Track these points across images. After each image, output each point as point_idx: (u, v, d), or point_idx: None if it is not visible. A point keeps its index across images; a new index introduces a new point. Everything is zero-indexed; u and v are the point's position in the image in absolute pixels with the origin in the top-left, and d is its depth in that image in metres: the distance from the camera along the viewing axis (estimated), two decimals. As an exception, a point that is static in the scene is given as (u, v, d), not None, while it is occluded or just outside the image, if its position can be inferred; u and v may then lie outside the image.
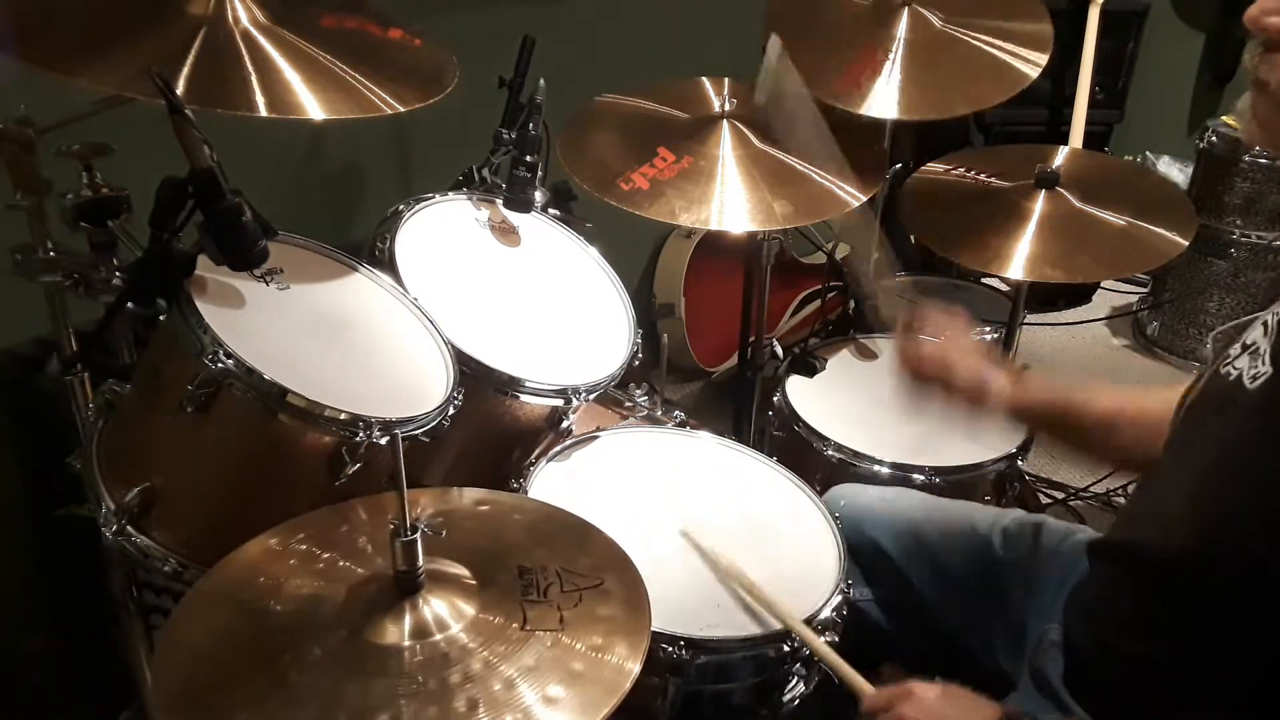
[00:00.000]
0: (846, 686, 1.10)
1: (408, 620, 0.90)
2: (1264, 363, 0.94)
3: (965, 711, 1.02)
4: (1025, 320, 2.13)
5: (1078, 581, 1.18)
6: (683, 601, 1.20)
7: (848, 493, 1.44)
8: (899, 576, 1.31)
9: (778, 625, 1.17)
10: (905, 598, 1.31)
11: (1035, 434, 1.43)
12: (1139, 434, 1.17)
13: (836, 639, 1.19)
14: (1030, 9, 1.93)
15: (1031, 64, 1.82)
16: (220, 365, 1.08)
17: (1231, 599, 0.91)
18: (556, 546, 1.04)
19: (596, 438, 1.48)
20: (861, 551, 1.33)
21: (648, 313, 2.76)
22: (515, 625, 0.91)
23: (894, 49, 1.83)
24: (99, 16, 1.11)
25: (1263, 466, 0.89)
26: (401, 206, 1.49)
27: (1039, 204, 1.83)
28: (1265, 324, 0.98)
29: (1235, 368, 0.98)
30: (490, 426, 1.40)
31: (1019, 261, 1.75)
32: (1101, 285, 3.30)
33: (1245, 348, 0.99)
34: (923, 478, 1.62)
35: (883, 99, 1.76)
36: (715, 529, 1.32)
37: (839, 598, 1.23)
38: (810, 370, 1.82)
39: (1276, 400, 0.90)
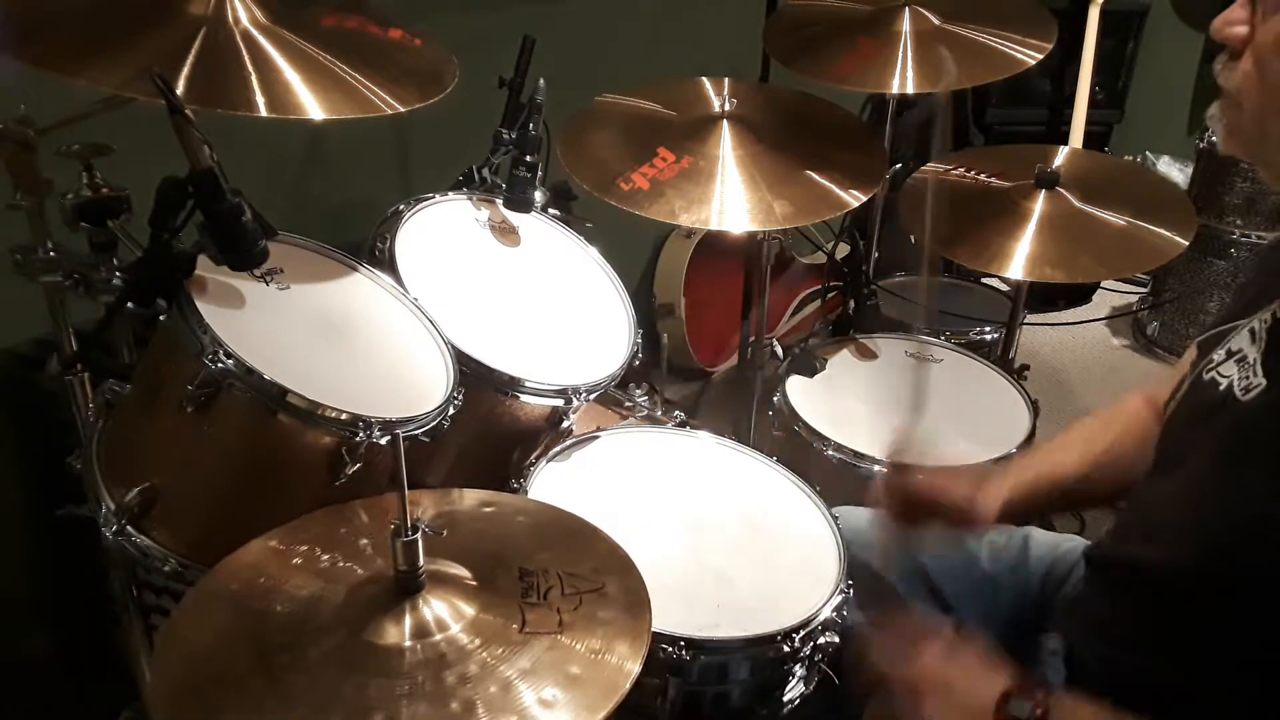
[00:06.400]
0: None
1: (407, 621, 0.90)
2: (1256, 374, 0.92)
3: (971, 683, 0.99)
4: (1025, 320, 2.13)
5: (1073, 591, 1.17)
6: (683, 602, 1.20)
7: (839, 514, 1.42)
8: (895, 598, 1.30)
9: (778, 625, 1.17)
10: (902, 619, 1.30)
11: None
12: (1114, 472, 1.17)
13: (836, 639, 1.19)
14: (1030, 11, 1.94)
15: (1032, 51, 1.86)
16: (220, 365, 1.08)
17: (1234, 612, 0.90)
18: (559, 549, 1.04)
19: (596, 438, 1.48)
20: (856, 575, 1.31)
21: (648, 313, 2.76)
22: (514, 627, 0.91)
23: (900, 41, 1.87)
24: (99, 16, 1.11)
25: (1262, 480, 0.87)
26: (401, 206, 1.49)
27: (1039, 204, 1.83)
28: (1252, 331, 0.96)
29: (1222, 375, 0.96)
30: (490, 426, 1.40)
31: (1019, 261, 1.75)
32: (1101, 285, 3.30)
33: (1231, 354, 0.97)
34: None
35: (885, 77, 1.83)
36: (715, 529, 1.32)
37: (839, 597, 1.23)
38: (810, 370, 1.83)
39: (1273, 413, 0.89)
